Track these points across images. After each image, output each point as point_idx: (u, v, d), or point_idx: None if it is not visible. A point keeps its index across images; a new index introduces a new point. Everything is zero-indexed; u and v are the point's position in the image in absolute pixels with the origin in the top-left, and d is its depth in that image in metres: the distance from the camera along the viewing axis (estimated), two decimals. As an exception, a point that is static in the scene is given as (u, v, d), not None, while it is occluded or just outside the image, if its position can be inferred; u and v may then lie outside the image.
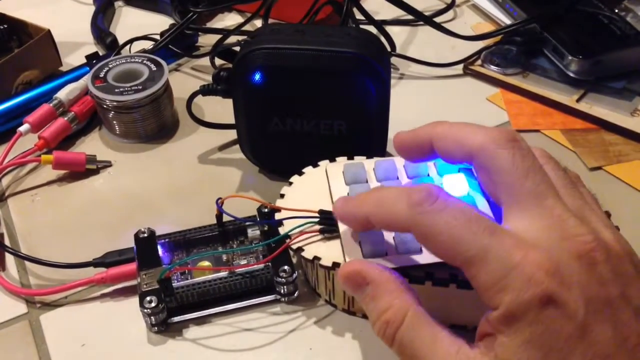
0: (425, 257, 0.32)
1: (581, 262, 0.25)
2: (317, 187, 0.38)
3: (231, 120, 0.45)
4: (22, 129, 0.49)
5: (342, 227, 0.34)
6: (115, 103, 0.49)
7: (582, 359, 0.23)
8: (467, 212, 0.26)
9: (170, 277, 0.36)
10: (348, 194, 0.36)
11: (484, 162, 0.28)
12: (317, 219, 0.35)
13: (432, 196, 0.27)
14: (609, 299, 0.24)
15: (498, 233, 0.25)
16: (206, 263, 0.39)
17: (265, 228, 0.40)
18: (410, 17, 0.61)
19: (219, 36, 0.59)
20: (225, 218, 0.40)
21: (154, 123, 0.51)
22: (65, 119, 0.50)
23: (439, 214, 0.26)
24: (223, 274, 0.37)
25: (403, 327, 0.27)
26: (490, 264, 0.25)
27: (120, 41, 0.60)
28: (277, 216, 0.36)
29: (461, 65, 0.57)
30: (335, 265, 0.34)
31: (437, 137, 0.30)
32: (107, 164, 0.49)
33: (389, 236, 0.33)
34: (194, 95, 0.47)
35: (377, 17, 0.60)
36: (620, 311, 0.24)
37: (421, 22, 0.62)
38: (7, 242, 0.44)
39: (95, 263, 0.40)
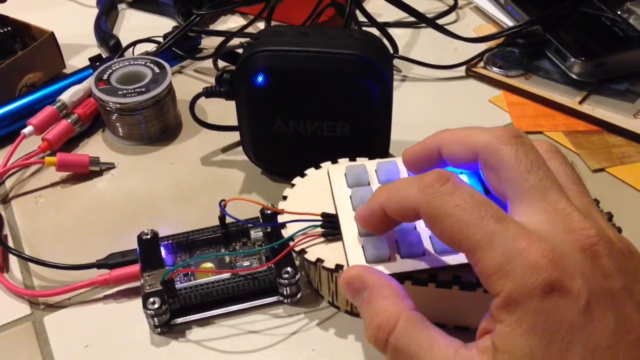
0: (428, 262, 0.32)
1: (585, 254, 0.25)
2: (319, 188, 0.38)
3: (234, 122, 0.45)
4: (25, 131, 0.49)
5: (345, 232, 0.34)
6: (118, 105, 0.49)
7: (583, 348, 0.23)
8: (476, 197, 0.26)
9: (173, 278, 0.36)
10: (350, 196, 0.36)
11: (488, 159, 0.28)
12: (319, 222, 0.35)
13: (442, 178, 0.27)
14: (612, 291, 0.24)
15: (505, 221, 0.26)
16: (209, 265, 0.40)
17: (268, 230, 0.40)
18: (412, 19, 0.61)
19: (222, 38, 0.60)
20: (228, 220, 0.40)
21: (157, 125, 0.51)
22: (69, 121, 0.50)
23: (448, 195, 0.26)
24: (226, 275, 0.37)
25: (397, 332, 0.27)
26: (495, 250, 0.25)
27: (124, 43, 0.60)
28: (280, 219, 0.37)
29: (463, 67, 0.57)
30: (339, 267, 0.34)
31: (443, 143, 0.31)
32: (110, 166, 0.49)
33: (391, 241, 0.33)
34: (197, 97, 0.47)
35: (379, 19, 0.61)
36: (622, 304, 0.24)
37: (423, 24, 0.62)
38: (10, 243, 0.44)
39: (98, 264, 0.40)
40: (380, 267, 0.32)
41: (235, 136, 0.49)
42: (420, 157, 0.32)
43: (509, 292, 0.24)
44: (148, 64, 0.52)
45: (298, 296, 0.38)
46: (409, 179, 0.29)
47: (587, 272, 0.24)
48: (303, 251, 0.35)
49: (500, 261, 0.25)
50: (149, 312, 0.36)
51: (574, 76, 0.53)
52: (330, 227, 0.35)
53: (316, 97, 0.42)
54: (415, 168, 0.33)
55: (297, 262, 0.38)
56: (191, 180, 0.48)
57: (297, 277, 0.37)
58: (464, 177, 0.33)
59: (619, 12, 0.58)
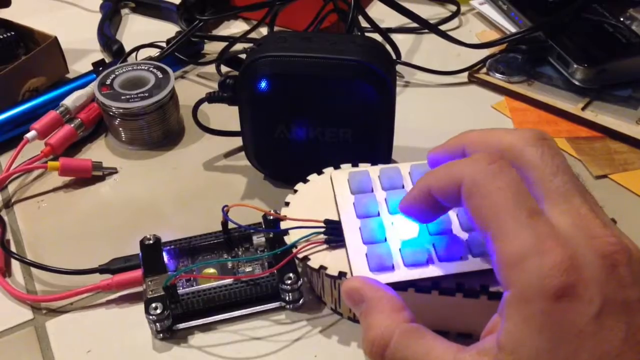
0: (432, 271, 0.32)
1: (604, 261, 0.25)
2: (322, 194, 0.38)
3: (237, 127, 0.46)
4: (28, 135, 0.49)
5: (348, 239, 0.34)
6: (121, 110, 0.49)
7: (590, 355, 0.23)
8: (518, 185, 0.26)
9: (175, 283, 0.36)
10: (353, 202, 0.36)
11: (513, 160, 0.28)
12: (322, 229, 0.35)
13: (491, 157, 0.27)
14: (626, 301, 0.24)
15: (538, 217, 0.25)
16: (211, 270, 0.39)
17: (271, 235, 0.40)
18: (415, 25, 0.61)
19: (225, 44, 0.60)
20: (231, 225, 0.40)
21: (159, 130, 0.51)
22: (72, 125, 0.50)
23: (493, 175, 0.26)
24: (228, 281, 0.37)
25: (392, 346, 0.27)
26: (519, 243, 0.25)
27: (127, 48, 0.60)
28: (283, 225, 0.36)
29: (466, 73, 0.57)
30: (342, 274, 0.34)
31: (468, 144, 0.31)
32: (113, 171, 0.49)
33: (395, 250, 0.33)
34: (199, 102, 0.47)
35: (382, 25, 0.61)
36: (636, 314, 0.24)
37: (426, 30, 0.62)
38: (13, 248, 0.44)
39: (100, 269, 0.40)
40: (383, 276, 0.32)
41: (238, 141, 0.49)
42: (445, 158, 0.32)
43: (522, 288, 0.24)
44: (151, 69, 0.52)
45: (300, 302, 0.38)
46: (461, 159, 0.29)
47: (604, 280, 0.24)
48: (306, 258, 0.35)
49: (520, 255, 0.25)
50: (151, 317, 0.36)
51: (577, 82, 0.53)
52: (333, 234, 0.35)
53: (319, 103, 0.42)
54: None
55: (299, 269, 0.38)
56: (194, 185, 0.48)
57: (300, 283, 0.37)
58: None
59: (621, 19, 0.58)
